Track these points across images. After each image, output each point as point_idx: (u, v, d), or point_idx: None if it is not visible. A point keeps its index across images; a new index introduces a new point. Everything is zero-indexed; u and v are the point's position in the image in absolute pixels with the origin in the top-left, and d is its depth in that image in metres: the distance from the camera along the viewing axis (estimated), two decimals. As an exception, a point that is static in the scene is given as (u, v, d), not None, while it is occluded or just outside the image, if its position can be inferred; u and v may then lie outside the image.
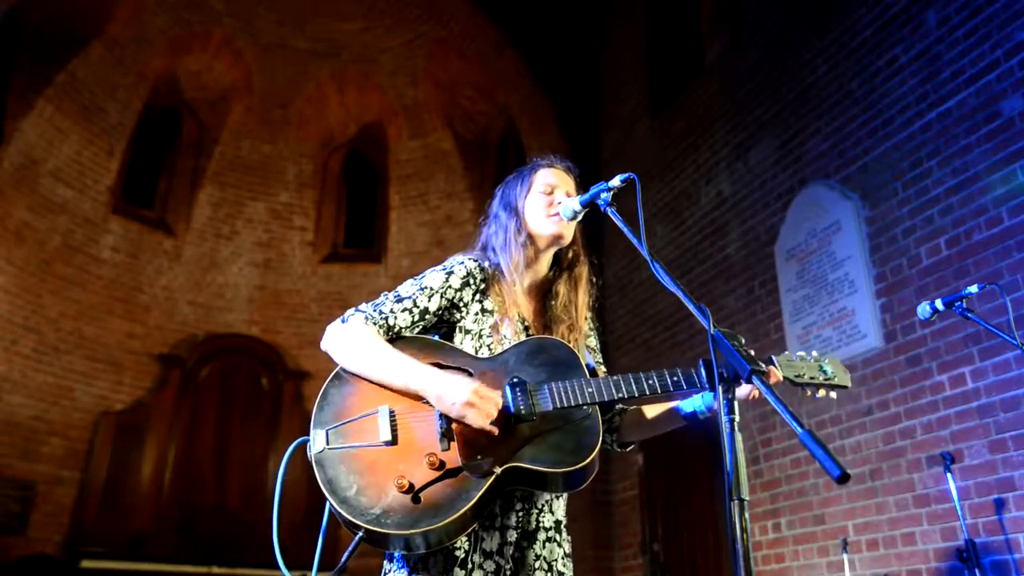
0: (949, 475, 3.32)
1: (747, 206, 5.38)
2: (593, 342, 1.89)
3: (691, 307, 1.38)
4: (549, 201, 1.80)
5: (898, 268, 4.12)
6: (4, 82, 7.44)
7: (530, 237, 1.79)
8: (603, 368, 1.87)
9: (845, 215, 4.48)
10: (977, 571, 3.18)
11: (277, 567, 1.50)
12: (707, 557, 5.26)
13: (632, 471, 6.13)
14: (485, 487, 1.45)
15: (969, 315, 2.59)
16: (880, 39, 4.47)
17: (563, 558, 1.68)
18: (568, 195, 1.81)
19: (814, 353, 1.72)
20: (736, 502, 1.15)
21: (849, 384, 1.72)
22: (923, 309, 2.65)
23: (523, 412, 1.52)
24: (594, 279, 1.90)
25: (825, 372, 1.69)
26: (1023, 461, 3.32)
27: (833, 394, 1.70)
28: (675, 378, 1.57)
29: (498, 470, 1.47)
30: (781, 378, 1.64)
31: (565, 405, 1.54)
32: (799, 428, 1.09)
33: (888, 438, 3.98)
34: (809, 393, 1.69)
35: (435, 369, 1.57)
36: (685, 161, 6.22)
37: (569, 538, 1.73)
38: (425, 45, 8.83)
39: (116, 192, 8.22)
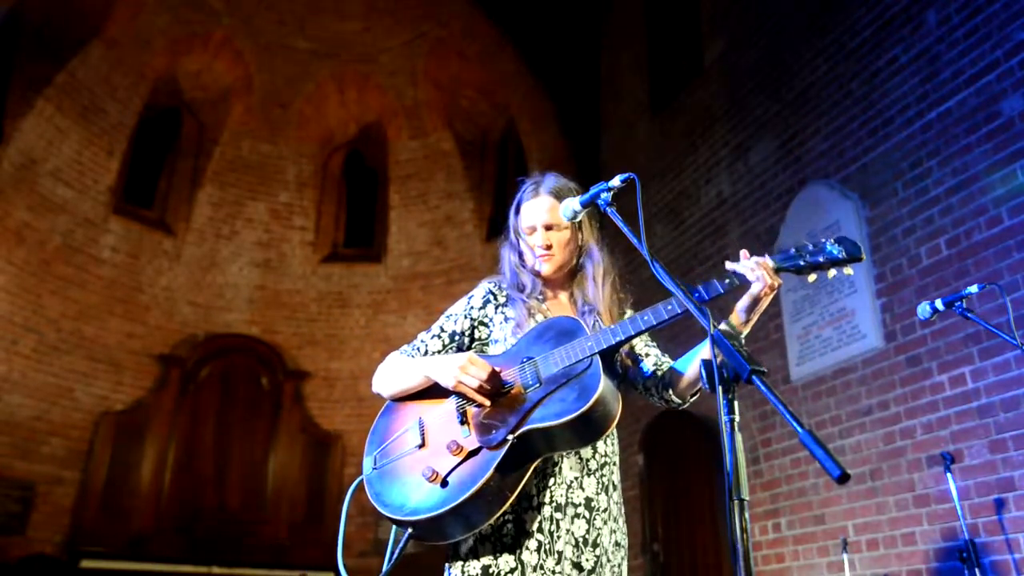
0: (949, 475, 3.31)
1: (747, 206, 5.38)
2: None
3: (691, 307, 1.38)
4: (531, 245, 1.88)
5: (898, 268, 4.12)
6: (4, 82, 7.44)
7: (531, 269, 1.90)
8: (659, 354, 1.91)
9: (845, 215, 4.48)
10: (977, 571, 3.18)
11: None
12: (707, 557, 5.26)
13: (632, 471, 6.13)
14: (502, 455, 1.55)
15: (969, 315, 2.59)
16: (880, 39, 4.47)
17: (614, 545, 1.69)
18: (548, 227, 1.86)
19: (822, 238, 1.63)
20: (736, 502, 1.14)
21: (863, 255, 1.59)
22: (923, 309, 2.65)
23: (528, 382, 1.63)
24: (618, 283, 1.92)
25: (831, 252, 1.59)
26: (1023, 461, 3.32)
27: (849, 270, 1.59)
28: (669, 307, 1.61)
29: (511, 437, 1.56)
30: (772, 268, 1.60)
31: (566, 363, 1.61)
32: (799, 428, 1.09)
33: (888, 438, 3.98)
34: (814, 277, 1.61)
35: (440, 355, 1.77)
36: (685, 161, 6.22)
37: (613, 525, 1.71)
38: (425, 45, 8.83)
39: (116, 192, 8.22)
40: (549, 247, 1.85)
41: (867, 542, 3.97)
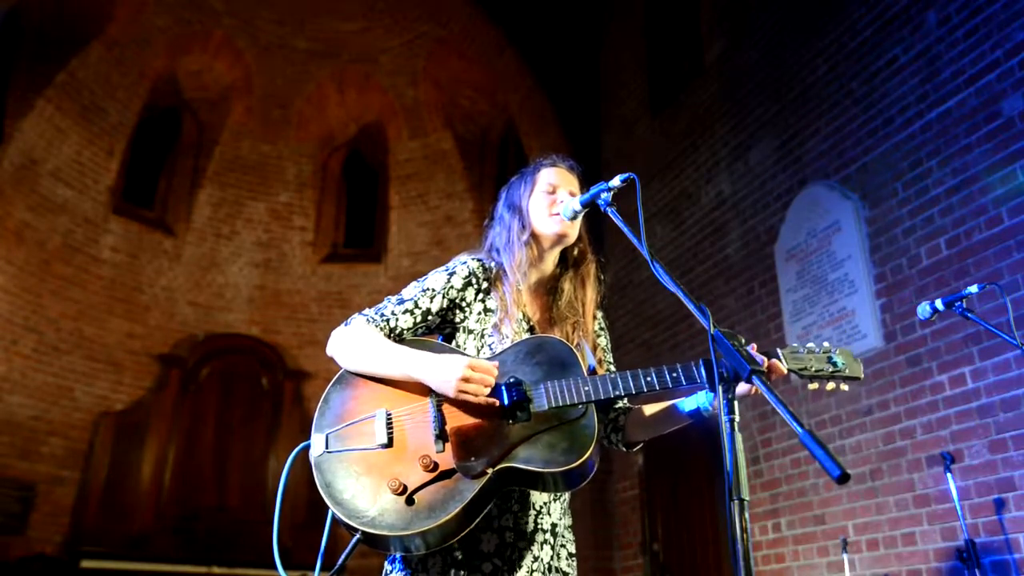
0: (949, 475, 3.32)
1: (747, 206, 5.38)
2: (603, 340, 1.88)
3: (691, 307, 1.38)
4: (552, 200, 1.79)
5: (898, 268, 4.12)
6: (4, 82, 7.44)
7: (534, 236, 1.78)
8: (613, 368, 1.85)
9: (845, 215, 4.48)
10: (977, 571, 3.18)
11: (276, 567, 1.51)
12: (707, 557, 5.26)
13: (632, 471, 6.12)
14: (478, 488, 1.45)
15: (969, 315, 2.59)
16: (880, 39, 4.47)
17: (568, 558, 1.69)
18: (572, 194, 1.81)
19: (825, 344, 1.65)
20: (736, 502, 1.14)
21: (861, 375, 1.64)
22: (923, 309, 2.65)
23: (518, 412, 1.52)
24: (601, 276, 1.89)
25: (835, 363, 1.62)
26: (1023, 461, 3.32)
27: (845, 386, 1.63)
28: (674, 374, 1.54)
29: (491, 471, 1.47)
30: (785, 371, 1.59)
31: (560, 404, 1.53)
32: (799, 428, 1.09)
33: (888, 438, 3.98)
34: (816, 385, 1.64)
35: (429, 353, 1.59)
36: (685, 161, 6.22)
37: (572, 538, 1.73)
38: (425, 45, 8.83)
39: (116, 192, 8.22)
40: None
41: (867, 542, 3.97)
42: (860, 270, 4.31)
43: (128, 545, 7.14)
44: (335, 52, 8.99)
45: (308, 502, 6.88)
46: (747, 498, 1.16)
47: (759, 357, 1.58)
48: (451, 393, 1.52)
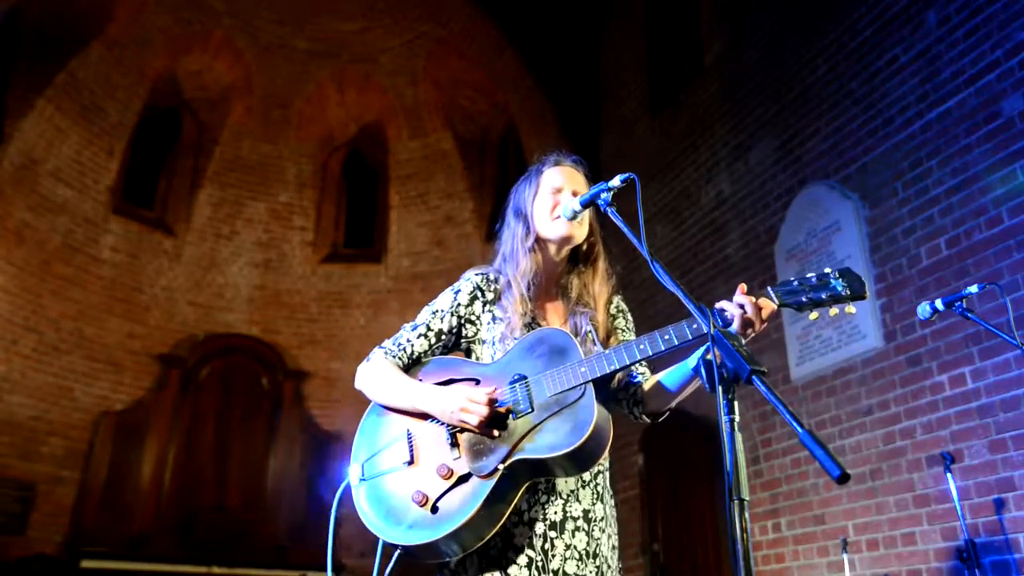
0: (949, 475, 3.31)
1: (747, 206, 5.38)
2: (622, 322, 1.89)
3: (691, 307, 1.38)
4: (555, 203, 1.79)
5: (898, 268, 4.12)
6: (4, 82, 7.44)
7: (539, 241, 1.80)
8: None
9: (845, 215, 4.48)
10: (977, 571, 3.18)
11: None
12: (707, 557, 5.26)
13: (632, 471, 6.13)
14: (492, 485, 1.53)
15: (969, 315, 2.59)
16: (880, 39, 4.47)
17: (611, 550, 1.69)
18: (575, 193, 1.80)
19: (826, 270, 1.57)
20: (736, 502, 1.14)
21: (867, 293, 1.54)
22: (923, 309, 2.65)
23: (520, 407, 1.58)
24: (609, 270, 1.88)
25: (835, 288, 1.54)
26: (1023, 461, 3.32)
27: (852, 308, 1.54)
28: (666, 337, 1.54)
29: (501, 467, 1.53)
30: (776, 307, 1.54)
31: (558, 390, 1.57)
32: (799, 428, 1.08)
33: (888, 438, 3.98)
34: (816, 315, 1.55)
35: (433, 387, 1.69)
36: (685, 161, 6.22)
37: (609, 531, 1.71)
38: (425, 45, 8.83)
39: (116, 192, 8.22)
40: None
41: (867, 542, 3.97)
42: (860, 270, 4.31)
43: (128, 545, 7.14)
44: (335, 52, 8.99)
45: (307, 500, 6.90)
46: (747, 498, 1.15)
47: (745, 301, 1.52)
48: (454, 423, 1.61)
